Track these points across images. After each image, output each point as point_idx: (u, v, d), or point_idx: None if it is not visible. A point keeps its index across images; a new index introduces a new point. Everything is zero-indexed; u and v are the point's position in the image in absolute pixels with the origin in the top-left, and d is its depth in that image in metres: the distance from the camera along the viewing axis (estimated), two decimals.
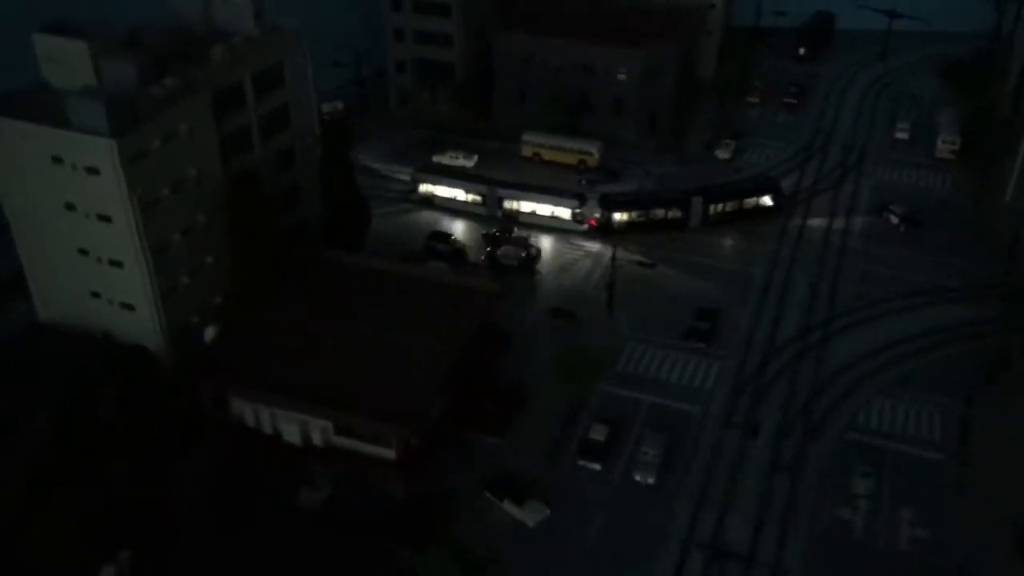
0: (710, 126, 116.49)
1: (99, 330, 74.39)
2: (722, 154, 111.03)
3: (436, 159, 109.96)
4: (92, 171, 66.33)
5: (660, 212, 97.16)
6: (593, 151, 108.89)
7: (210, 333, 72.95)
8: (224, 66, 73.43)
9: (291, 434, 68.92)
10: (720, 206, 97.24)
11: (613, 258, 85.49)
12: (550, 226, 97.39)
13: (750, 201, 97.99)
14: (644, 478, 69.20)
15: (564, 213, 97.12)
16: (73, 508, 59.92)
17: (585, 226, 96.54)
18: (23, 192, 70.13)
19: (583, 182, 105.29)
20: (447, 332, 71.95)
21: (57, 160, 67.09)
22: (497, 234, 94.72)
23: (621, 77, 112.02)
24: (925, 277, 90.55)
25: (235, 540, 62.72)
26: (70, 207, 69.11)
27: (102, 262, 70.76)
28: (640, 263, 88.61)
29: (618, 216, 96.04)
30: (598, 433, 72.03)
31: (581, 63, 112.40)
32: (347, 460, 68.63)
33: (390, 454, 67.75)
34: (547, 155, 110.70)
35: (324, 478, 67.72)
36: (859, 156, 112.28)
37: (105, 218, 68.23)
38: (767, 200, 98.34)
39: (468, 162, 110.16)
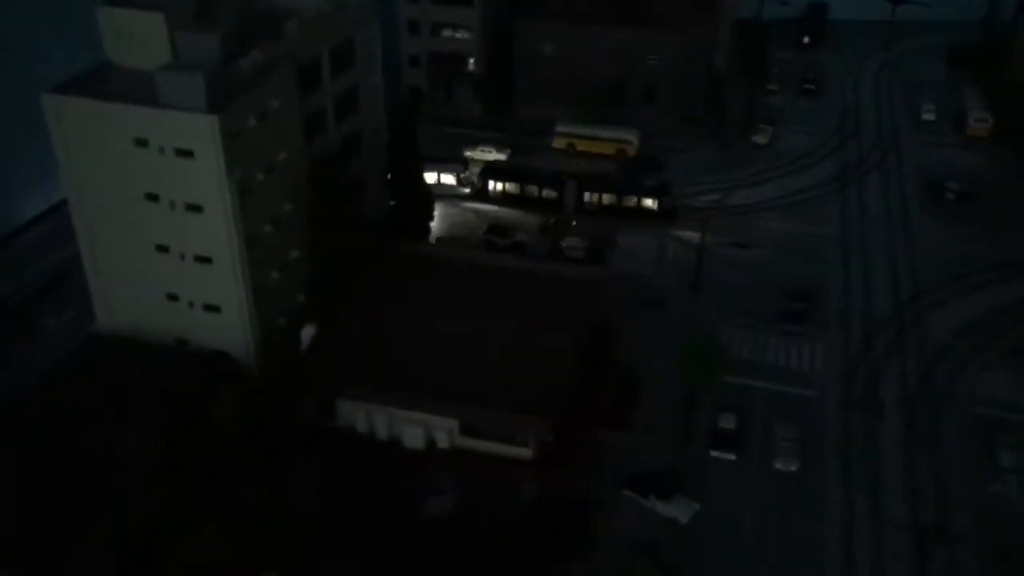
0: (738, 113, 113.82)
1: (172, 337, 66.63)
2: (760, 139, 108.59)
3: (468, 154, 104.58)
4: (184, 153, 59.27)
5: (534, 189, 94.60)
6: (632, 139, 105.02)
7: (308, 333, 66.12)
8: (302, 41, 67.00)
9: (413, 438, 62.56)
10: (596, 196, 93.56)
11: (702, 241, 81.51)
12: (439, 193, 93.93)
13: (630, 199, 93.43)
14: (786, 465, 65.10)
15: (449, 179, 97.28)
16: (214, 529, 52.41)
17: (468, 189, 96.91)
18: (95, 183, 62.48)
19: (626, 173, 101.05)
20: (566, 324, 66.72)
21: (141, 143, 59.71)
22: (555, 224, 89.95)
23: (653, 63, 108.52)
24: (995, 250, 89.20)
25: (369, 554, 56.10)
26: (152, 197, 61.73)
27: (185, 259, 63.41)
28: (737, 244, 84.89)
29: (493, 185, 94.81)
30: (728, 422, 67.76)
31: (613, 49, 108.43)
32: (474, 463, 62.52)
33: (525, 453, 61.94)
34: (582, 146, 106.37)
35: (449, 484, 61.61)
36: (893, 136, 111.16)
37: (195, 207, 61.10)
38: (650, 203, 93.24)
39: (501, 155, 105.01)
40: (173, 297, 65.43)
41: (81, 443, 56.37)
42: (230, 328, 64.77)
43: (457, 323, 66.75)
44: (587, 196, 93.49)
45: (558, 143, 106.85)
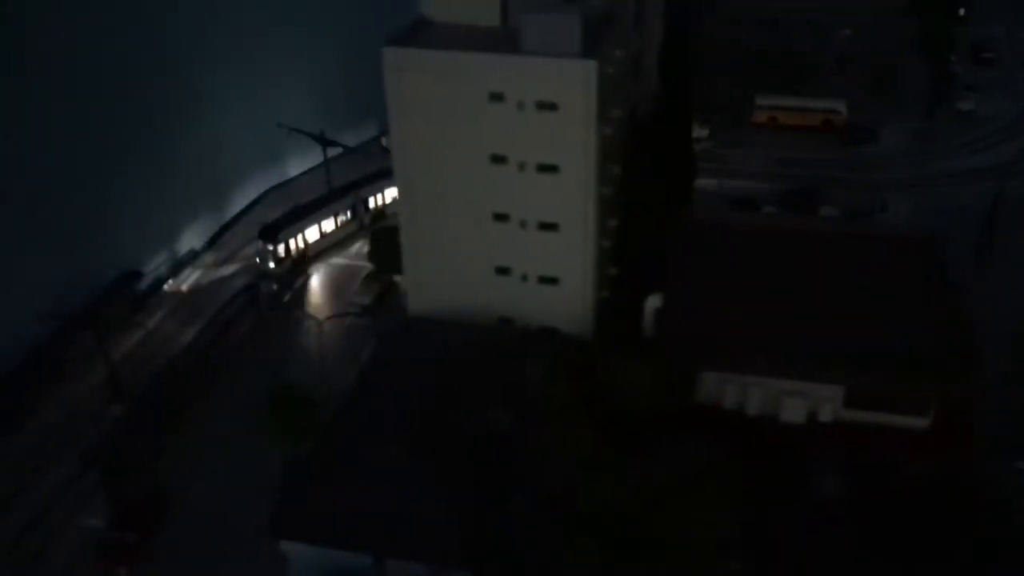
0: (934, 81, 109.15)
1: (494, 316, 60.79)
2: (965, 106, 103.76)
3: None
4: (546, 106, 53.52)
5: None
6: (841, 109, 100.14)
7: (652, 304, 60.30)
8: None
9: (792, 411, 56.71)
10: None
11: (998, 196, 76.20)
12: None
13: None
14: None
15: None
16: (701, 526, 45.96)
17: None
18: (431, 146, 56.65)
19: (841, 144, 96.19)
20: (912, 284, 61.24)
21: (497, 97, 53.98)
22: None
23: (846, 33, 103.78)
24: None
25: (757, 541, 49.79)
26: (498, 159, 55.91)
27: (527, 227, 57.72)
28: None
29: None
30: None
31: (803, 18, 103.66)
32: (860, 437, 56.66)
33: (921, 423, 56.18)
34: (785, 119, 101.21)
35: (838, 462, 55.62)
36: None
37: (549, 168, 55.35)
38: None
39: (702, 132, 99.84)
40: (503, 271, 59.57)
41: (467, 430, 50.45)
42: (568, 301, 59.16)
43: (801, 290, 61.01)
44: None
45: (758, 117, 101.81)
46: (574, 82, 52.34)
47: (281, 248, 77.78)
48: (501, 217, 57.74)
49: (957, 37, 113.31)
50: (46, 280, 66.58)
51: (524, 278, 59.50)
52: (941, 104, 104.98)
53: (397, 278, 73.65)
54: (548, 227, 57.29)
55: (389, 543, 46.19)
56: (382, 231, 76.60)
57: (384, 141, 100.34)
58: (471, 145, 55.76)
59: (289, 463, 50.79)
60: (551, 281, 59.10)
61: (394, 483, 48.00)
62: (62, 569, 53.35)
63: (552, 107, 53.38)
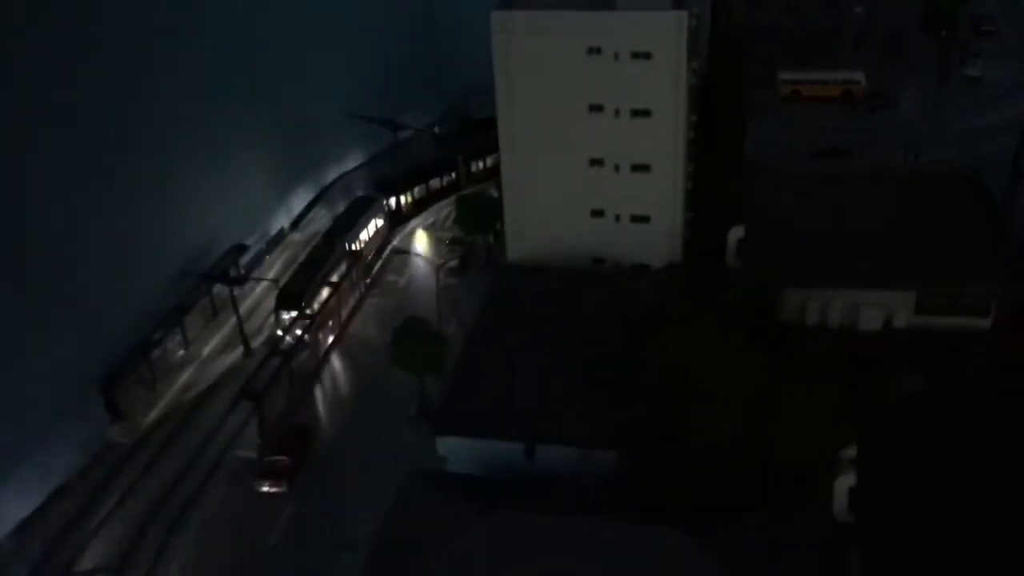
0: (938, 52, 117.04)
1: (587, 257, 67.21)
2: (972, 72, 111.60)
3: None
4: (641, 56, 60.36)
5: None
6: (860, 79, 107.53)
7: (735, 235, 66.93)
8: None
9: (871, 320, 63.40)
10: None
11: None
12: None
13: None
14: None
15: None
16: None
17: None
18: (534, 100, 63.30)
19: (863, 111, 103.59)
20: (960, 211, 68.54)
21: (594, 51, 60.78)
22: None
23: (859, 11, 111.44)
24: None
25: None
26: (596, 107, 62.65)
27: (620, 170, 64.31)
28: None
29: None
30: None
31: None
32: (934, 339, 63.28)
33: (984, 324, 63.01)
34: (807, 91, 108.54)
35: (914, 362, 62.18)
36: None
37: (642, 112, 62.11)
38: None
39: None
40: (598, 213, 66.03)
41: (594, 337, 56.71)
42: (658, 238, 65.56)
43: (866, 220, 67.66)
44: None
45: (783, 91, 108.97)
46: (667, 31, 59.27)
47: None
48: (597, 162, 64.22)
49: (959, 12, 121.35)
50: (177, 247, 73.12)
51: (617, 219, 65.89)
52: (950, 72, 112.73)
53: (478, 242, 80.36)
54: (641, 168, 63.77)
55: (539, 432, 52.24)
56: (468, 197, 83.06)
57: (437, 129, 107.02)
58: (570, 96, 62.44)
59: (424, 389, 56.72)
60: (643, 220, 65.51)
61: (538, 382, 54.18)
62: (224, 496, 59.22)
63: (647, 56, 60.15)
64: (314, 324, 69.52)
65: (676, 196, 64.18)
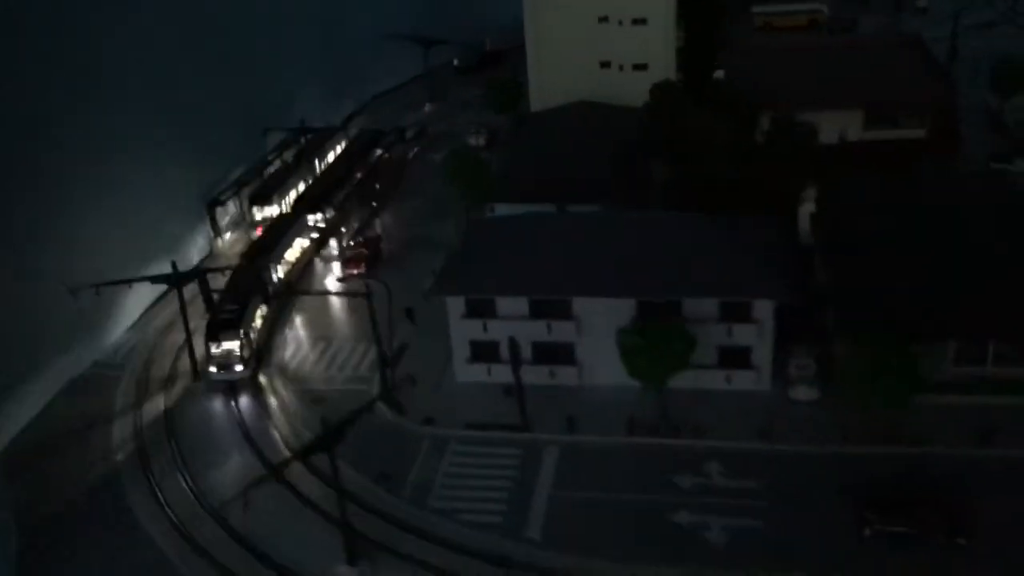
0: None
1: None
2: (922, 3, 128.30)
3: None
4: None
5: None
6: (823, 9, 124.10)
7: (719, 75, 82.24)
8: None
9: (829, 133, 78.33)
10: None
11: None
12: None
13: None
14: None
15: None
16: None
17: None
18: None
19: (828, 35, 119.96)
20: (907, 57, 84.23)
21: None
22: None
23: None
24: None
25: None
26: None
27: (623, 24, 79.67)
28: None
29: None
30: None
31: None
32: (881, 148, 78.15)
33: (919, 134, 78.19)
34: (778, 22, 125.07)
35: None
36: None
37: None
38: None
39: None
40: (605, 65, 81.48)
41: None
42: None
43: (827, 67, 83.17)
44: None
45: (757, 22, 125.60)
46: None
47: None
48: (603, 19, 79.84)
49: None
50: None
51: (620, 68, 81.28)
52: (903, 4, 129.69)
53: None
54: (639, 21, 79.24)
55: (568, 195, 66.71)
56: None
57: (456, 61, 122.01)
58: None
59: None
60: (641, 67, 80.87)
61: (563, 163, 68.76)
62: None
63: None
64: None
65: (668, 48, 79.38)
